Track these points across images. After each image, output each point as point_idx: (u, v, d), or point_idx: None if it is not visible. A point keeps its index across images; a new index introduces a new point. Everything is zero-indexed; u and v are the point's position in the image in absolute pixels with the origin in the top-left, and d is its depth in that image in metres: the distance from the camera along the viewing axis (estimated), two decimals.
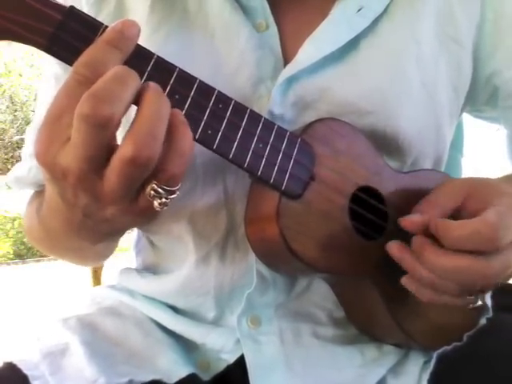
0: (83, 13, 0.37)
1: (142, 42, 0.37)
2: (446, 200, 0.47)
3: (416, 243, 0.45)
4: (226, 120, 0.41)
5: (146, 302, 0.59)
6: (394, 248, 0.46)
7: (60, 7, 0.36)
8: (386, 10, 0.54)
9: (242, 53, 0.51)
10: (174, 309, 0.58)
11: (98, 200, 0.37)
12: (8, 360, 0.51)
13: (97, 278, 1.23)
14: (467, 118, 0.70)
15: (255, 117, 0.43)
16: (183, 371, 0.52)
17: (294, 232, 0.44)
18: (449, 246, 0.43)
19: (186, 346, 0.56)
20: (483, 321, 0.53)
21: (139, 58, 0.37)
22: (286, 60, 0.52)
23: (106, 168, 0.35)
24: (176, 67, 0.39)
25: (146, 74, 0.37)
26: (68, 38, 0.36)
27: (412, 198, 0.49)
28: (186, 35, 0.52)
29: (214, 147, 0.40)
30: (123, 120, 0.34)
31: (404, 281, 0.46)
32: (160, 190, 0.36)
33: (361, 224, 0.49)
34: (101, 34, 0.36)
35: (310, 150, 0.46)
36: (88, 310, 0.61)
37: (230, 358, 0.53)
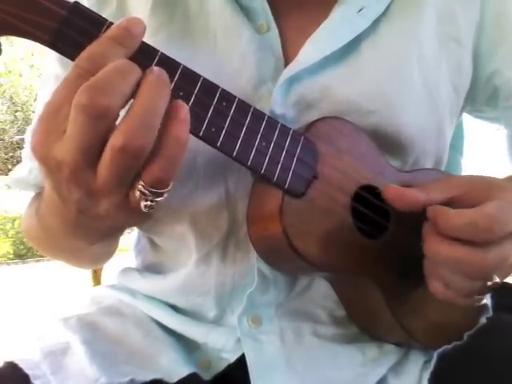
0: (88, 9, 0.36)
1: None
2: (447, 187, 0.47)
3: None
4: (229, 118, 0.40)
5: (147, 301, 0.59)
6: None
7: (64, 3, 0.36)
8: (386, 11, 0.54)
9: (243, 55, 0.51)
10: (175, 308, 0.58)
11: (91, 195, 0.37)
12: (9, 359, 0.51)
13: (97, 278, 1.23)
14: (467, 119, 0.70)
15: (259, 115, 0.43)
16: (184, 370, 0.52)
17: (296, 230, 0.44)
18: (446, 233, 0.43)
19: (186, 345, 0.56)
20: (483, 320, 0.53)
21: (143, 55, 0.37)
22: (287, 61, 0.52)
23: (100, 162, 0.35)
24: (180, 64, 0.39)
25: None
26: (72, 33, 0.36)
27: None
28: (187, 37, 0.52)
29: (218, 145, 0.40)
30: (121, 113, 0.34)
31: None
32: (146, 191, 0.36)
33: (363, 223, 0.49)
34: (105, 30, 0.36)
35: (313, 148, 0.46)
36: (88, 309, 0.61)
37: (231, 358, 0.53)
